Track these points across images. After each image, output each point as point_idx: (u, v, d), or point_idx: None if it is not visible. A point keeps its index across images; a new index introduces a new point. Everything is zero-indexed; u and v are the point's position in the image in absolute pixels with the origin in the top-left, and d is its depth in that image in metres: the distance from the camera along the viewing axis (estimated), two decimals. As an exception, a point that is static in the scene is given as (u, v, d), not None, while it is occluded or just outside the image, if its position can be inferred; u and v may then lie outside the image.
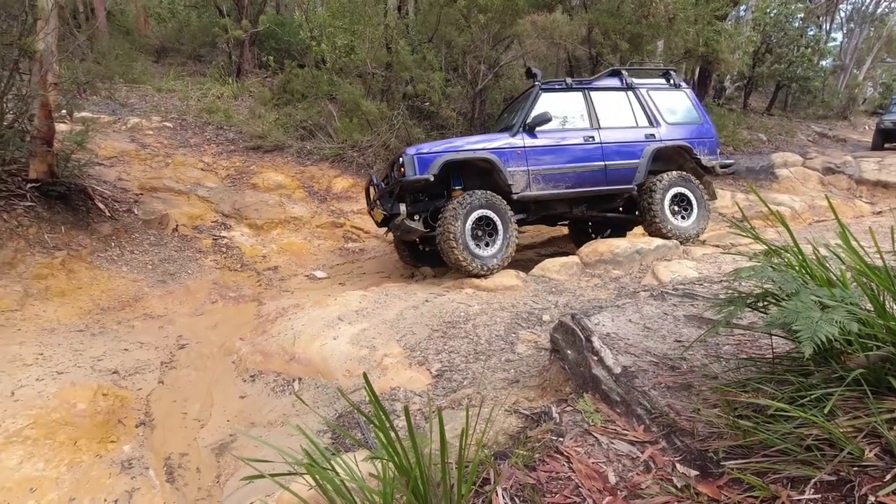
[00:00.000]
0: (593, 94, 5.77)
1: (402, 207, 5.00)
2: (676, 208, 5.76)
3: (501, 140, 5.25)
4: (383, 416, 1.39)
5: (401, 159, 4.88)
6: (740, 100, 16.13)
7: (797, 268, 1.76)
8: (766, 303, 1.85)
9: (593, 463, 1.70)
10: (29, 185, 4.77)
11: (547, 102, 5.51)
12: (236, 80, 11.95)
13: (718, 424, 1.66)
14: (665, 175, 5.72)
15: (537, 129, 5.33)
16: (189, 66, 13.24)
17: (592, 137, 5.53)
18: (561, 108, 5.62)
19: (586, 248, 5.52)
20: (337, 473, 1.43)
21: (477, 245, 4.83)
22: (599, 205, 5.90)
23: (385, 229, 5.95)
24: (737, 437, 1.56)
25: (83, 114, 7.75)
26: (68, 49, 5.82)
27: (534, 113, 5.34)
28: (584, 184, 5.47)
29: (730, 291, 2.03)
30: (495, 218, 4.95)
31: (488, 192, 4.96)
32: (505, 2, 8.74)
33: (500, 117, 6.81)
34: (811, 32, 15.25)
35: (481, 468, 1.71)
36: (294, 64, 11.15)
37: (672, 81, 6.17)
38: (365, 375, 1.51)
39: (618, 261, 5.22)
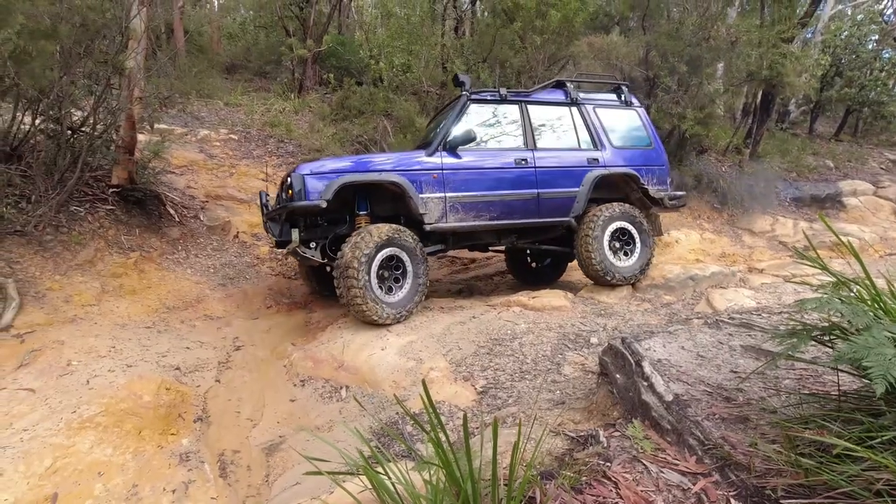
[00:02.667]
0: (531, 108, 4.98)
1: (295, 234, 4.24)
2: (617, 245, 5.00)
3: (415, 160, 4.43)
4: (438, 424, 1.43)
5: (289, 179, 4.15)
6: (806, 124, 15.42)
7: (868, 301, 1.69)
8: (832, 337, 1.78)
9: (642, 491, 1.67)
10: (111, 191, 5.17)
11: (475, 116, 4.74)
12: (298, 95, 12.50)
13: (778, 461, 1.61)
14: (606, 207, 4.93)
15: (460, 148, 4.54)
16: (255, 82, 13.98)
17: (525, 160, 4.74)
18: (491, 123, 4.86)
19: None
20: (389, 478, 1.48)
21: (381, 287, 4.12)
22: (532, 236, 5.21)
23: (283, 251, 5.19)
24: (798, 476, 1.50)
25: (161, 125, 8.32)
26: (153, 67, 6.32)
27: (456, 130, 4.55)
28: (512, 214, 4.69)
29: (792, 323, 1.96)
30: (405, 259, 4.24)
31: (399, 227, 4.23)
32: (562, 24, 8.79)
33: (429, 127, 5.88)
34: (886, 55, 14.44)
35: (527, 487, 1.71)
36: (353, 81, 11.58)
37: (623, 98, 5.44)
38: (424, 384, 1.56)
39: (670, 286, 5.08)
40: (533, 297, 4.70)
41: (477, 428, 2.88)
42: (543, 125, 5.00)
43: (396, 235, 4.15)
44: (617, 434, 2.27)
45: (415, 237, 4.28)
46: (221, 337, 4.45)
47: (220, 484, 2.80)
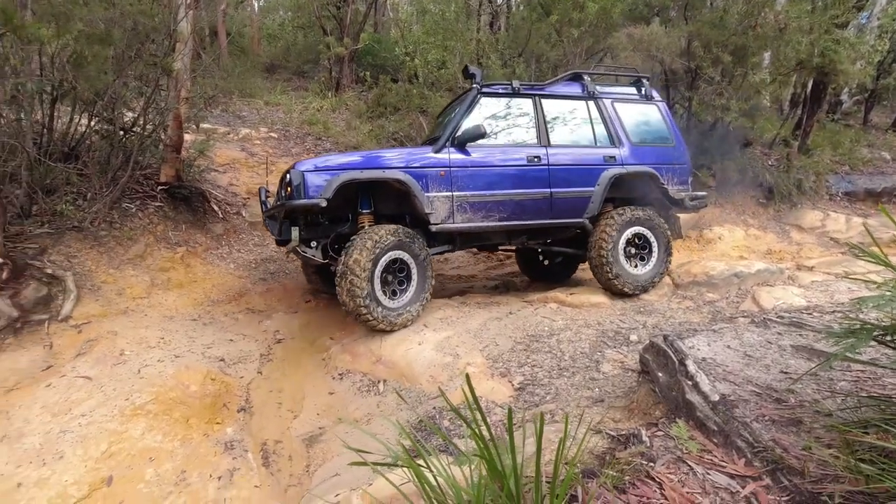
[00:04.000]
0: (546, 102, 4.70)
1: (295, 232, 4.07)
2: (633, 251, 4.72)
3: (422, 157, 4.20)
4: (481, 418, 1.43)
5: (289, 175, 3.98)
6: (860, 115, 14.63)
7: (935, 301, 1.59)
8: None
9: (688, 492, 1.63)
10: (159, 188, 5.38)
11: (486, 110, 4.51)
12: (335, 94, 12.69)
13: (835, 466, 1.54)
14: (623, 211, 4.66)
15: (469, 144, 4.31)
16: (294, 81, 14.27)
17: (538, 157, 4.48)
18: (503, 117, 4.61)
19: (679, 269, 5.26)
20: (430, 470, 1.49)
21: (384, 292, 3.95)
22: (544, 237, 4.96)
23: (284, 249, 4.96)
24: (857, 482, 1.43)
25: (205, 125, 8.60)
26: (198, 68, 6.54)
27: (466, 124, 4.32)
28: (523, 215, 4.44)
29: (847, 322, 1.87)
30: (410, 263, 4.07)
31: (405, 229, 4.05)
32: (599, 15, 8.61)
33: (438, 121, 5.55)
34: (951, 40, 13.54)
35: (570, 485, 1.69)
36: (388, 79, 11.67)
37: (644, 92, 5.14)
38: (467, 377, 1.55)
39: (713, 283, 4.93)
40: (570, 294, 4.64)
41: (515, 424, 2.86)
42: (558, 120, 4.75)
43: (401, 238, 3.96)
44: (660, 434, 2.22)
45: (421, 240, 4.11)
46: (263, 330, 4.57)
47: (263, 472, 2.89)
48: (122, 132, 5.34)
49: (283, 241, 4.41)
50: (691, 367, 2.32)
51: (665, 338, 2.60)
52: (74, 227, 4.44)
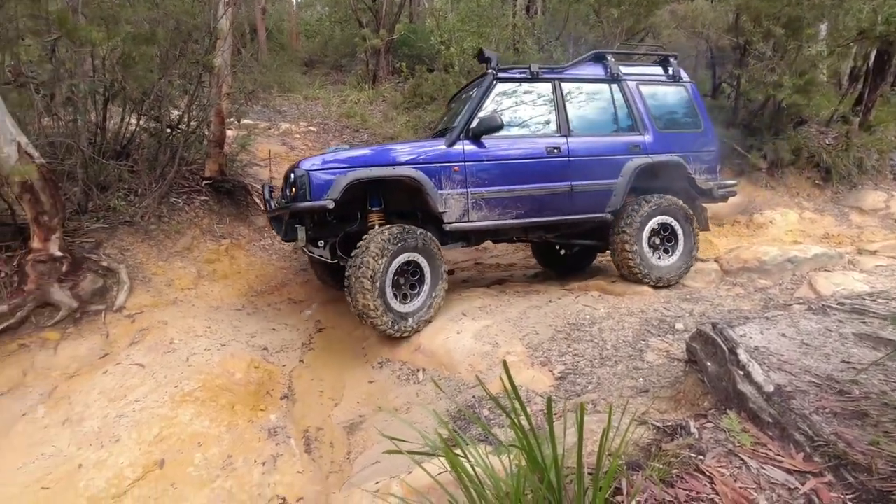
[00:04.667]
0: (566, 86, 4.41)
1: (301, 232, 3.93)
2: (657, 241, 4.48)
3: (434, 151, 3.95)
4: (520, 408, 1.40)
5: (293, 174, 3.77)
6: (931, 88, 13.57)
7: None
8: (976, 324, 1.54)
9: (741, 487, 1.55)
10: (204, 182, 5.55)
11: (503, 97, 4.24)
12: (372, 86, 12.76)
13: (906, 462, 1.42)
14: (647, 200, 4.41)
15: (484, 136, 4.06)
16: (332, 75, 14.44)
17: (558, 148, 4.21)
18: (521, 104, 4.33)
19: (727, 255, 5.03)
20: (468, 460, 1.47)
21: (395, 296, 3.77)
22: (563, 230, 4.70)
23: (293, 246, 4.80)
24: (932, 480, 1.32)
25: (246, 120, 8.81)
26: (238, 64, 6.69)
27: (480, 114, 4.05)
28: (541, 210, 4.20)
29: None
30: (423, 265, 3.88)
31: (418, 230, 3.84)
32: (641, -7, 8.28)
33: (450, 108, 5.22)
34: None
35: (613, 477, 1.63)
36: (424, 69, 11.63)
37: (671, 72, 4.79)
38: (505, 365, 1.52)
39: (765, 269, 4.70)
40: (612, 282, 4.52)
41: (556, 414, 2.81)
42: (579, 106, 4.46)
43: (414, 240, 3.77)
44: (709, 426, 2.12)
45: (435, 241, 3.93)
46: (304, 319, 4.66)
47: (306, 459, 2.94)
48: (168, 129, 5.53)
49: (289, 240, 4.26)
50: (743, 357, 2.21)
51: (714, 326, 2.49)
52: (126, 221, 4.64)
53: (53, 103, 4.62)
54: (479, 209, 4.04)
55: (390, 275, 3.70)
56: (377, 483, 2.51)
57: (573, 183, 4.24)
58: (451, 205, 3.96)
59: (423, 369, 3.62)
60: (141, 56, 4.78)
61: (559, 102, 4.34)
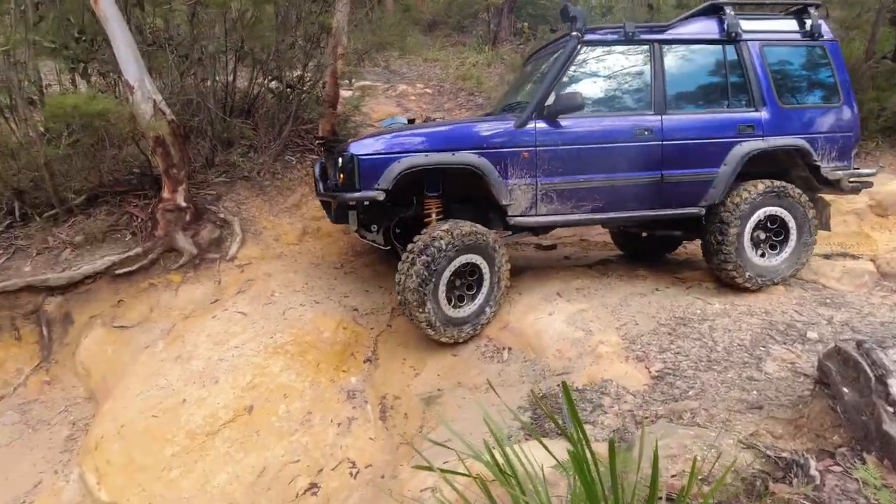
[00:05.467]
0: (667, 50, 3.60)
1: (353, 216, 3.53)
2: (762, 236, 3.66)
3: (501, 133, 3.41)
4: (580, 433, 1.15)
5: (340, 159, 3.35)
6: None
7: None
8: None
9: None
10: (317, 142, 5.72)
11: (587, 65, 3.55)
12: (492, 47, 12.34)
13: None
14: (752, 186, 3.56)
15: (561, 116, 3.43)
16: (453, 37, 14.21)
17: (649, 131, 3.50)
18: (608, 74, 3.60)
19: (889, 254, 4.09)
20: (514, 476, 1.26)
21: (448, 300, 3.38)
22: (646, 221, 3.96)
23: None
24: None
25: (364, 82, 8.97)
26: (357, 24, 6.76)
27: (559, 90, 3.42)
28: (622, 205, 3.59)
29: None
30: (483, 268, 3.47)
31: (481, 229, 3.39)
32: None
33: (523, 70, 4.48)
34: None
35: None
36: (548, 29, 10.95)
37: (809, 28, 3.71)
38: (565, 387, 1.27)
39: (950, 276, 3.75)
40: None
41: (647, 418, 2.48)
42: (681, 74, 3.66)
43: (477, 240, 3.35)
44: (837, 469, 1.70)
45: (499, 243, 3.52)
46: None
47: (379, 426, 2.94)
48: (288, 89, 5.75)
49: (340, 221, 3.80)
50: (895, 389, 1.71)
51: (859, 344, 1.97)
52: (244, 176, 4.93)
53: (187, 64, 4.98)
54: (550, 201, 3.52)
55: (444, 280, 3.32)
56: (445, 463, 2.40)
57: (664, 172, 3.56)
58: (518, 196, 3.46)
59: (509, 348, 3.43)
60: (263, 16, 4.94)
61: (656, 71, 3.58)
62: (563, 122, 3.47)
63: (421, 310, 3.24)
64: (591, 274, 4.06)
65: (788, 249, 3.68)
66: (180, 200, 4.22)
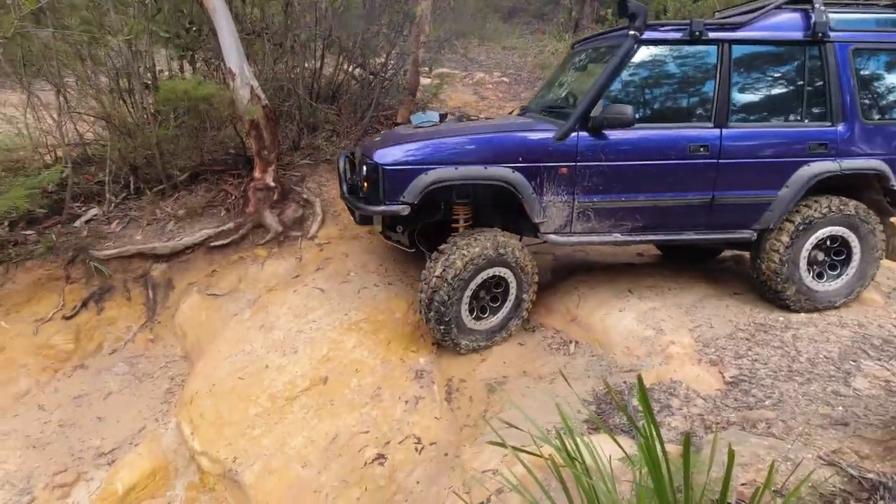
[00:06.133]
0: (738, 51, 3.12)
1: (377, 218, 3.41)
2: (820, 257, 3.28)
3: (539, 144, 3.10)
4: (656, 435, 1.17)
5: (364, 168, 3.17)
6: None
7: None
8: None
9: None
10: (395, 127, 5.91)
11: (643, 68, 3.15)
12: (572, 35, 12.02)
13: None
14: (814, 204, 3.17)
15: (607, 129, 3.09)
16: (532, 24, 13.98)
17: (705, 147, 3.11)
18: (667, 79, 3.20)
19: None
20: (581, 463, 1.30)
21: (470, 313, 3.29)
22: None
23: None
24: None
25: (442, 70, 9.08)
26: (440, 12, 6.84)
27: (610, 99, 3.07)
28: (664, 227, 3.29)
29: None
30: (510, 281, 3.32)
31: (508, 241, 3.23)
32: None
33: (571, 59, 4.02)
34: None
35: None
36: (634, 14, 10.50)
37: None
38: (639, 379, 1.29)
39: None
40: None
41: (718, 424, 2.41)
42: (749, 80, 3.19)
43: (506, 253, 3.21)
44: (936, 499, 1.59)
45: (528, 255, 3.36)
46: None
47: (444, 407, 3.04)
48: (371, 76, 5.95)
49: (364, 222, 3.65)
50: None
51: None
52: (326, 160, 5.18)
53: (280, 51, 5.27)
54: (586, 220, 3.26)
55: (468, 294, 3.22)
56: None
57: (716, 194, 3.22)
58: (552, 214, 3.22)
59: (576, 342, 3.42)
60: (351, 5, 5.13)
61: (722, 76, 3.13)
62: (609, 135, 3.13)
63: (439, 324, 3.20)
64: (664, 272, 3.94)
65: (850, 274, 3.31)
66: (269, 180, 4.51)
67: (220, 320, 3.88)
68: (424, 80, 6.85)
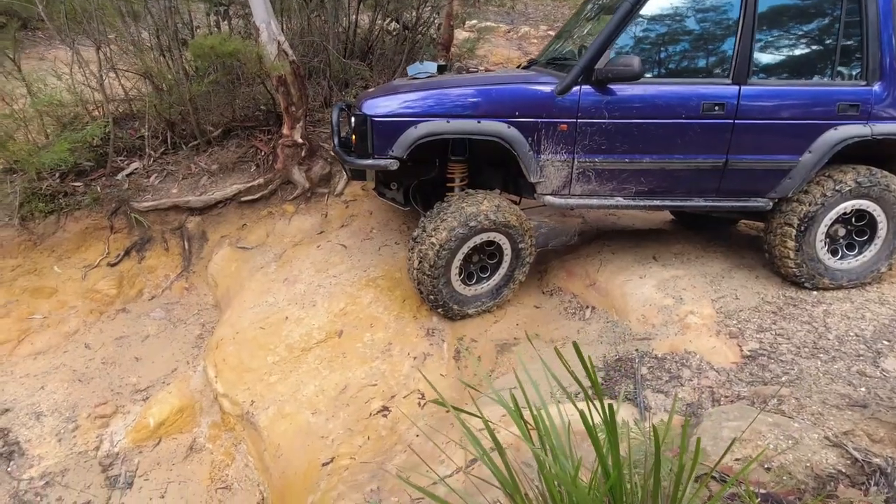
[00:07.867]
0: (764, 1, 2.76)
1: (370, 173, 3.33)
2: (841, 233, 3.01)
3: (539, 99, 2.86)
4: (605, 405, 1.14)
5: (353, 119, 3.04)
6: None
7: None
8: None
9: None
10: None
11: (654, 21, 2.83)
12: (629, -17, 11.28)
13: None
14: (835, 175, 2.87)
15: (612, 83, 2.82)
16: (587, -29, 13.18)
17: (721, 106, 2.81)
18: (682, 29, 2.88)
19: None
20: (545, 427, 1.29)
21: (459, 276, 3.16)
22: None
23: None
24: None
25: (486, 23, 8.75)
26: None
27: (615, 51, 2.79)
28: (671, 192, 3.03)
29: None
30: (505, 248, 3.18)
31: (506, 204, 3.06)
32: None
33: (583, 10, 3.66)
34: None
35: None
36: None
37: None
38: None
39: None
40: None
41: (726, 397, 2.33)
42: (775, 30, 2.86)
43: (503, 218, 3.04)
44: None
45: (526, 221, 3.19)
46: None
47: (452, 365, 3.08)
48: (405, 30, 5.82)
49: (357, 174, 3.53)
50: None
51: None
52: (357, 117, 5.17)
53: (312, 7, 5.22)
54: (587, 181, 3.05)
55: (459, 257, 3.10)
56: (504, 416, 2.49)
57: (731, 158, 2.96)
58: (550, 173, 3.02)
59: (593, 307, 3.35)
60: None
61: (744, 25, 2.80)
62: (615, 89, 2.88)
63: (429, 285, 3.12)
64: (693, 240, 3.75)
65: (874, 251, 3.05)
66: (297, 137, 4.56)
67: (248, 272, 4.04)
68: (463, 35, 6.64)
